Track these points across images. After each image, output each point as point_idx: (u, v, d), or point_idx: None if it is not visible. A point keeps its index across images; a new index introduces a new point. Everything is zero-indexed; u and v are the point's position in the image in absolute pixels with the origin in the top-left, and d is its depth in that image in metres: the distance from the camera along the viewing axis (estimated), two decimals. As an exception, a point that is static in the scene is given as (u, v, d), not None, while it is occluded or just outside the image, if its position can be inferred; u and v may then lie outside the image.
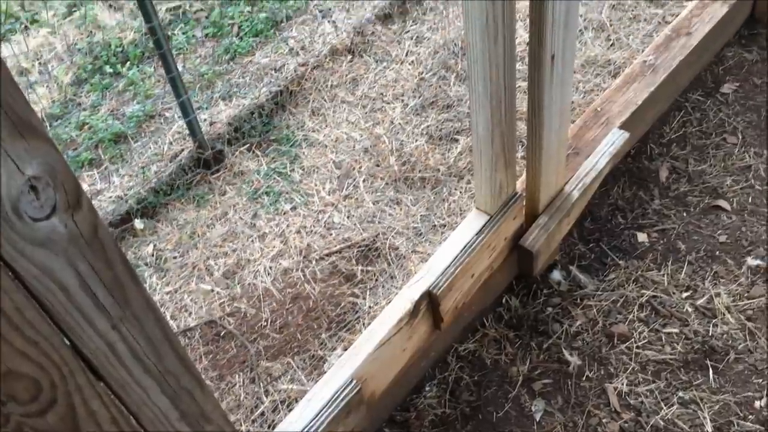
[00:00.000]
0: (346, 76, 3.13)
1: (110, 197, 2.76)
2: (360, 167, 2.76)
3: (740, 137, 2.54)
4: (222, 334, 2.35)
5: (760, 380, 1.96)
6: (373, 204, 2.63)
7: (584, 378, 2.05)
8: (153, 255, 2.60)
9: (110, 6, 3.61)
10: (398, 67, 3.12)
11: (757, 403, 1.93)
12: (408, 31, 3.29)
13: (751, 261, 2.20)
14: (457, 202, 2.59)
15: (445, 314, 1.91)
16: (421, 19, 3.34)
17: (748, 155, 2.48)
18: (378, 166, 2.75)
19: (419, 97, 2.96)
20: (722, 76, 2.75)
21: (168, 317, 2.42)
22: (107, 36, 3.41)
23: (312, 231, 2.58)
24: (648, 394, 1.98)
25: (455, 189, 2.63)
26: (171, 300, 2.47)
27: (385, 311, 1.83)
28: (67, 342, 0.88)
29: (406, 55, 3.18)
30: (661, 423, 1.92)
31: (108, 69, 3.30)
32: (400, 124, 2.88)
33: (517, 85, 1.89)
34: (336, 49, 3.22)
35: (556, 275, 2.28)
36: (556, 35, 1.68)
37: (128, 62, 3.32)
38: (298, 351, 2.27)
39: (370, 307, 2.35)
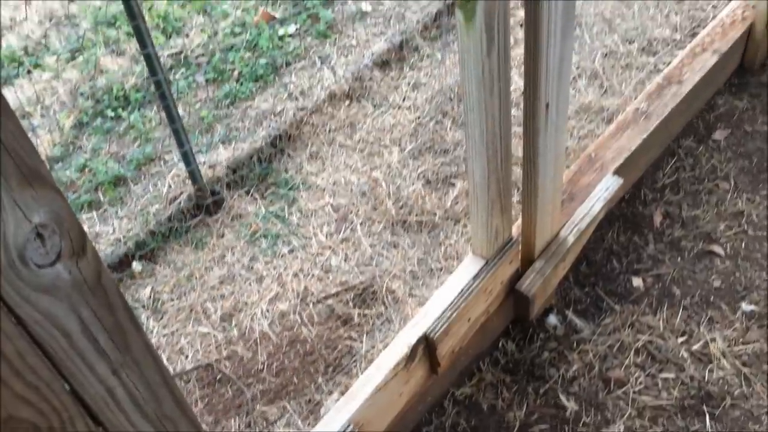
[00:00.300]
0: (345, 120, 3.17)
1: (109, 240, 2.78)
2: (357, 211, 2.78)
3: (733, 183, 2.57)
4: (218, 378, 2.35)
5: (757, 426, 1.96)
6: (371, 247, 2.65)
7: (581, 424, 2.04)
8: (150, 297, 2.61)
9: (113, 51, 3.67)
10: (396, 112, 3.18)
11: (754, 450, 1.92)
12: (405, 77, 3.35)
13: (746, 306, 2.21)
14: (454, 246, 2.61)
15: (441, 358, 1.92)
16: (417, 66, 3.41)
17: (741, 201, 2.51)
18: (375, 209, 2.78)
19: (416, 142, 3.01)
20: (714, 123, 2.80)
21: (164, 360, 2.41)
22: (109, 80, 3.47)
23: (309, 274, 2.60)
24: (645, 440, 1.98)
25: (452, 233, 2.65)
26: (168, 343, 2.46)
27: (381, 355, 1.83)
28: (68, 387, 0.89)
29: (404, 100, 3.23)
30: (659, 470, 1.91)
31: (109, 113, 3.34)
32: (397, 168, 2.92)
33: (512, 131, 1.93)
34: (335, 94, 3.28)
35: (552, 319, 2.29)
36: (551, 85, 1.72)
37: (130, 106, 3.37)
38: (294, 395, 2.26)
39: (367, 350, 2.35)
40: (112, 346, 0.91)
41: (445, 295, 1.93)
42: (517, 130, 2.83)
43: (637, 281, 2.35)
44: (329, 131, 3.14)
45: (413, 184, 2.84)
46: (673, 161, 2.69)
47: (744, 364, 2.08)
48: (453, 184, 2.82)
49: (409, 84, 3.31)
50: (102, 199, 2.96)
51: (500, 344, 2.26)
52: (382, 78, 3.35)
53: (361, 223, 2.74)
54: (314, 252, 2.67)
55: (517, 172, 2.65)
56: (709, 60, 2.71)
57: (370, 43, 3.52)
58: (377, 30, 3.62)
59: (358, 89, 3.30)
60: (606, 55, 3.24)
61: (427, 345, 1.88)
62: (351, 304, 2.48)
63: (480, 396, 2.15)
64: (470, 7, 1.45)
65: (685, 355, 2.13)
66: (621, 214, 2.56)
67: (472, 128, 1.68)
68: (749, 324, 2.18)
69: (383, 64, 3.43)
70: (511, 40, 3.19)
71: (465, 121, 1.69)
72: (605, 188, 2.29)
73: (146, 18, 3.63)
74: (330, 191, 2.88)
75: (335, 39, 3.60)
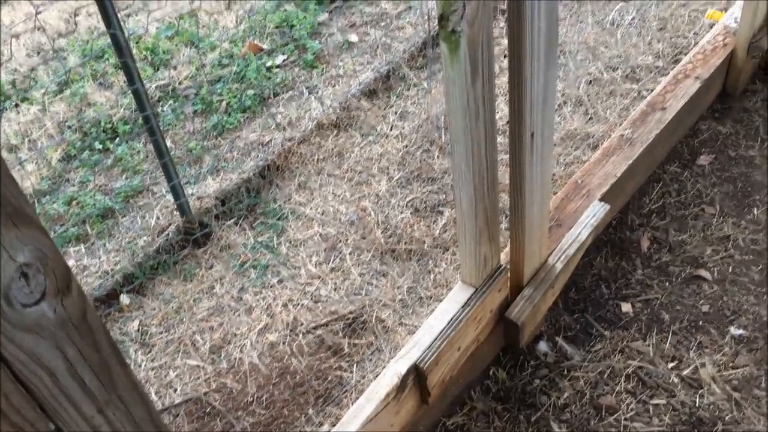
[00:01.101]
0: (333, 150, 3.19)
1: (96, 273, 2.76)
2: (346, 240, 2.79)
3: (718, 208, 2.59)
4: (208, 411, 2.32)
5: (749, 451, 1.96)
6: (360, 276, 2.65)
7: (573, 451, 2.03)
8: (138, 330, 2.59)
9: (101, 84, 3.69)
10: (383, 141, 3.19)
11: (747, 475, 1.92)
12: (392, 107, 3.38)
13: (734, 331, 2.22)
14: (443, 274, 2.61)
15: (432, 388, 1.91)
16: (404, 95, 3.43)
17: (727, 225, 2.53)
18: (364, 238, 2.78)
19: (404, 171, 3.02)
20: (698, 149, 2.83)
21: (152, 394, 2.39)
22: (97, 113, 3.47)
23: (299, 304, 2.59)
24: (638, 467, 1.97)
25: (441, 261, 2.65)
26: (156, 376, 2.44)
27: (371, 386, 1.82)
28: (53, 427, 0.88)
29: (391, 129, 3.25)
30: (652, 497, 1.90)
31: (97, 145, 3.34)
32: (385, 197, 2.92)
33: (499, 158, 1.95)
34: (322, 124, 3.29)
35: (543, 346, 2.29)
36: (535, 114, 1.74)
37: (117, 139, 3.37)
38: (284, 427, 2.24)
39: (357, 381, 2.34)
40: (97, 384, 0.91)
41: (435, 325, 1.93)
42: (504, 157, 2.85)
43: (626, 307, 2.36)
44: (317, 161, 3.15)
45: (402, 212, 2.84)
46: (658, 187, 2.72)
47: (734, 389, 2.08)
48: (441, 212, 2.83)
49: (396, 113, 3.34)
50: (90, 231, 2.95)
51: (491, 372, 2.25)
52: (369, 107, 3.38)
53: (350, 253, 2.74)
54: (303, 282, 2.66)
55: (505, 199, 2.66)
56: (692, 86, 2.75)
57: (357, 73, 3.56)
58: (364, 60, 3.66)
59: (346, 119, 3.32)
60: (590, 82, 3.28)
61: (417, 375, 1.87)
62: (341, 333, 2.47)
63: (472, 425, 2.14)
64: (454, 39, 1.47)
65: (676, 380, 2.13)
66: (608, 239, 2.57)
67: (458, 157, 1.69)
68: (738, 348, 2.18)
69: (370, 93, 3.45)
70: (497, 68, 3.23)
71: (451, 150, 1.70)
72: (592, 214, 2.30)
73: (134, 50, 3.65)
74: (319, 221, 2.88)
75: (322, 69, 3.63)
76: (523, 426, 2.11)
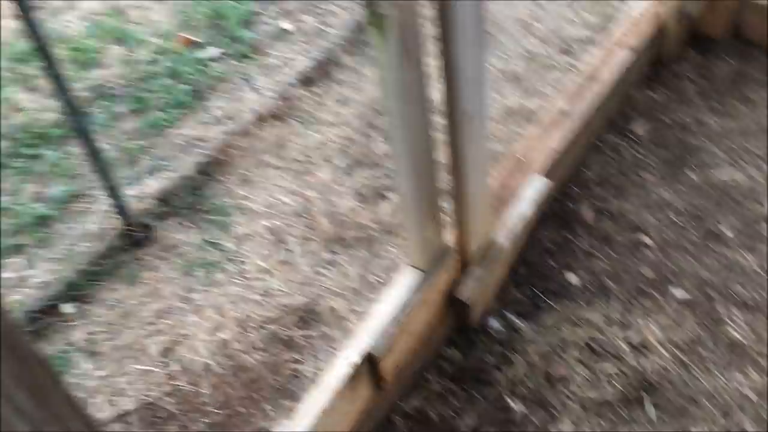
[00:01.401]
0: (273, 141, 3.14)
1: (37, 283, 2.68)
2: (293, 231, 2.76)
3: (655, 174, 2.65)
4: (162, 416, 2.28)
5: (699, 411, 2.01)
6: (309, 267, 2.62)
7: (530, 425, 2.06)
8: (85, 339, 2.52)
9: (28, 88, 3.56)
10: (324, 129, 3.16)
11: (697, 433, 1.97)
12: (331, 93, 3.35)
13: (678, 293, 2.27)
14: (393, 259, 2.60)
15: (386, 374, 1.91)
16: (343, 81, 3.40)
17: (665, 191, 2.58)
18: (311, 228, 2.76)
19: (347, 157, 3.00)
20: (634, 117, 2.88)
21: (105, 403, 2.33)
22: (26, 118, 3.36)
23: (249, 300, 2.55)
24: (593, 434, 2.01)
25: (389, 245, 2.65)
26: (106, 385, 2.39)
27: (324, 377, 1.81)
28: (-15, 451, 0.84)
29: (331, 116, 3.22)
30: (608, 462, 1.94)
31: (29, 152, 3.23)
32: (330, 185, 2.90)
33: (439, 139, 1.95)
34: (261, 115, 3.25)
35: (494, 323, 2.31)
36: (468, 93, 1.74)
37: (50, 143, 3.26)
38: (242, 425, 2.22)
39: (312, 372, 2.32)
40: (29, 403, 0.87)
41: (385, 310, 1.93)
42: (445, 137, 2.85)
43: (572, 277, 2.39)
44: (258, 153, 3.10)
45: (347, 199, 2.83)
46: (598, 157, 2.75)
47: (681, 350, 2.14)
48: (387, 197, 2.82)
49: (335, 100, 3.31)
50: (27, 241, 2.85)
51: (444, 353, 2.26)
52: (307, 95, 3.34)
53: (297, 244, 2.71)
54: (252, 277, 2.63)
55: (447, 179, 2.67)
56: (625, 56, 2.79)
57: (293, 62, 3.51)
58: (300, 48, 3.61)
59: (285, 108, 3.28)
60: (525, 57, 3.30)
61: (369, 362, 1.86)
62: (293, 326, 2.45)
63: (428, 407, 2.15)
64: (382, 22, 1.45)
65: (624, 346, 2.17)
66: (552, 212, 2.60)
67: (395, 141, 1.68)
68: (682, 311, 2.23)
69: (308, 81, 3.41)
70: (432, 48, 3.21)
71: (389, 135, 1.69)
72: (535, 189, 2.32)
73: (61, 51, 3.54)
74: (264, 214, 2.85)
75: (258, 60, 3.57)
76: (480, 403, 2.13)
